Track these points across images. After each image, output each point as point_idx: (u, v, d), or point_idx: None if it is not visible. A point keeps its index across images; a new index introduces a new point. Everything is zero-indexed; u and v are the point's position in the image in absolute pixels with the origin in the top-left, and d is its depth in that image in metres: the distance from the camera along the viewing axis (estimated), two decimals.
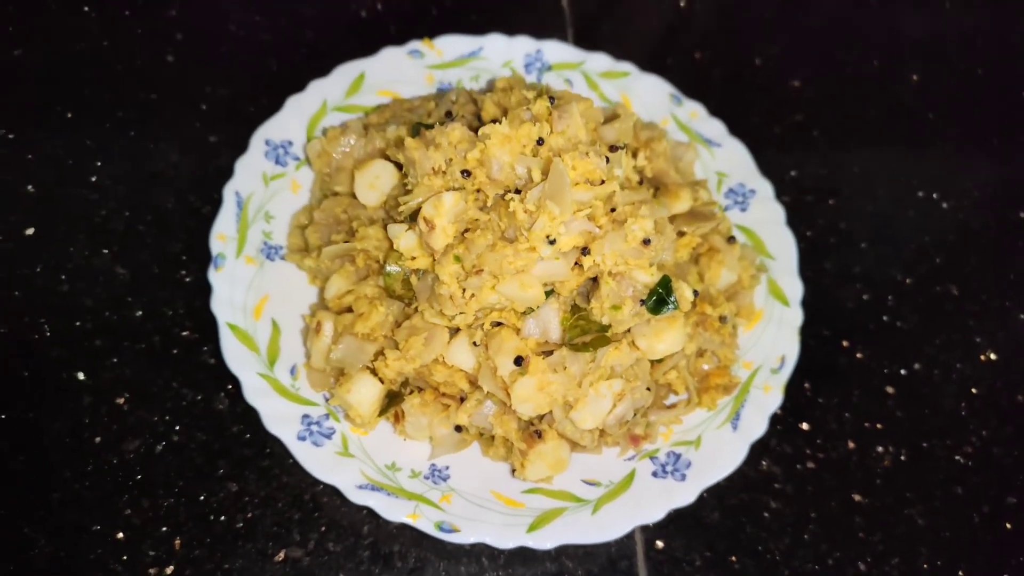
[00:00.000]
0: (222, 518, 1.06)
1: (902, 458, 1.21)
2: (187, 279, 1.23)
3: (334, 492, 1.06)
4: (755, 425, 1.12)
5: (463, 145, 1.03)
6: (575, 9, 1.63)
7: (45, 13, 1.47)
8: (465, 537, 1.00)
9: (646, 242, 0.99)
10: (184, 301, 1.21)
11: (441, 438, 1.07)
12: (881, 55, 1.66)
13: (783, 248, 1.27)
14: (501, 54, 1.42)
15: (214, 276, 1.14)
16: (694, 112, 1.40)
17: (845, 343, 1.30)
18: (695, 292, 1.06)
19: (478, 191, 1.02)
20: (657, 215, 1.03)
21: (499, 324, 1.04)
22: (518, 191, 1.01)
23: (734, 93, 1.56)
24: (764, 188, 1.33)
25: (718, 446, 1.10)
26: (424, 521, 1.01)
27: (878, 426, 1.24)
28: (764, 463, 1.18)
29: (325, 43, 1.51)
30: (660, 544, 1.11)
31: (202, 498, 1.08)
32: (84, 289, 1.21)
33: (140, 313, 1.20)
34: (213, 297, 1.13)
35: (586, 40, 1.58)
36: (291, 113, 1.30)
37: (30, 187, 1.29)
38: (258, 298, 1.15)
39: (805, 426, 1.22)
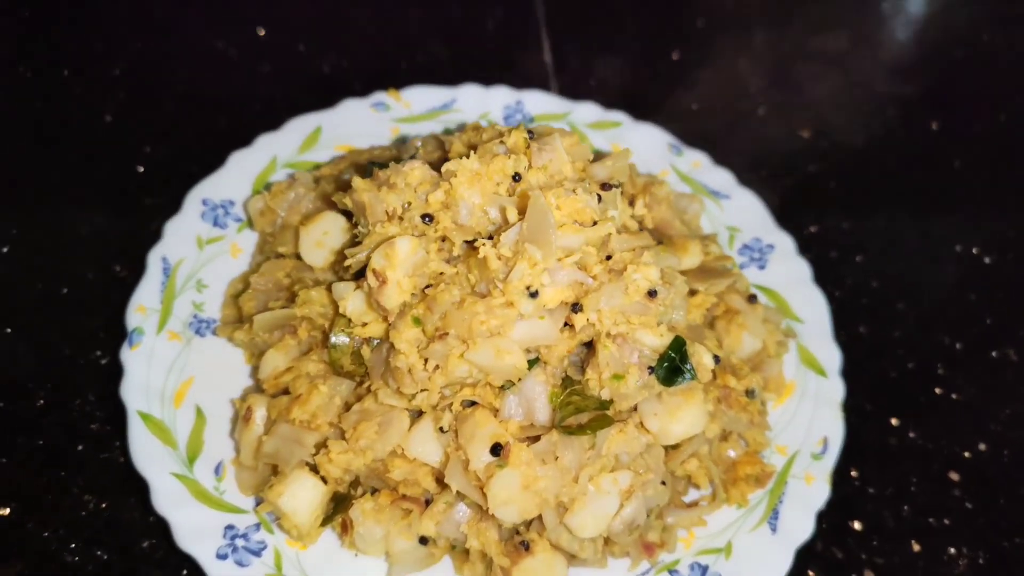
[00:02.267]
0: None
1: (980, 562, 0.98)
2: (103, 360, 1.03)
3: None
4: (799, 525, 0.89)
5: (424, 187, 0.85)
6: (559, 64, 1.50)
7: None
8: None
9: (652, 294, 0.79)
10: (97, 387, 1.00)
11: (401, 553, 0.84)
12: (894, 103, 1.52)
13: (812, 309, 1.08)
14: (477, 105, 1.27)
15: (127, 355, 0.94)
16: (696, 162, 1.24)
17: (894, 420, 1.09)
18: (716, 358, 0.86)
19: (443, 240, 0.84)
20: (664, 263, 0.84)
21: (472, 404, 0.83)
22: (491, 237, 0.82)
23: (738, 145, 1.41)
24: (783, 242, 1.15)
25: (754, 553, 0.88)
26: None
27: (945, 522, 1.01)
28: (811, 574, 0.95)
29: (282, 99, 1.36)
30: None
31: None
32: None
33: (42, 403, 0.99)
34: (124, 380, 0.93)
35: (571, 95, 1.44)
36: (234, 170, 1.13)
37: None
38: (180, 381, 0.95)
39: (857, 525, 0.99)
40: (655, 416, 0.84)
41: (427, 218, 0.84)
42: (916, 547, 0.98)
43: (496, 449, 0.79)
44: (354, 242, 0.88)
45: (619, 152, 0.92)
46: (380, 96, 1.26)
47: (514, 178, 0.83)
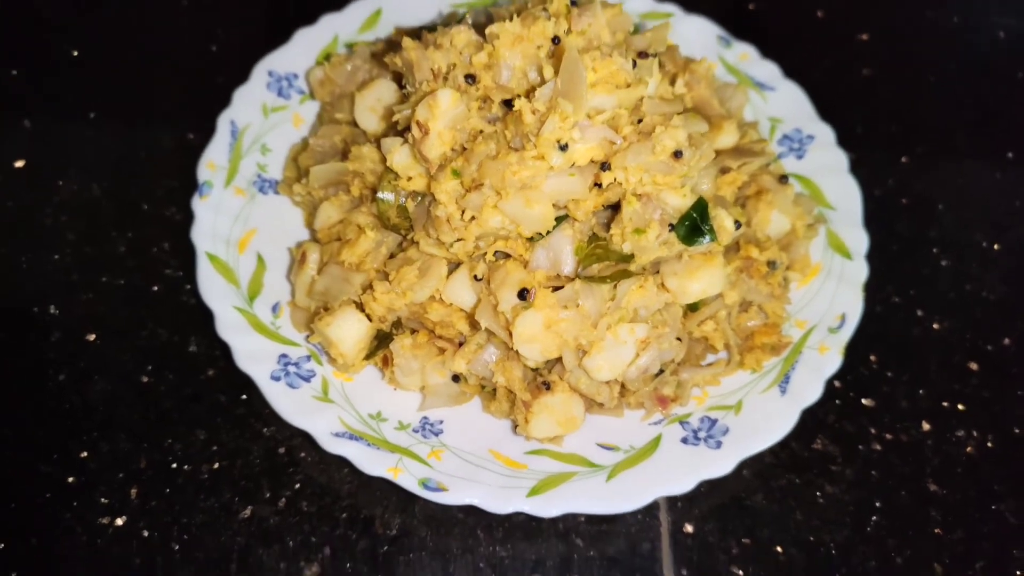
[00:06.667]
0: (185, 467, 0.94)
1: (989, 445, 1.01)
2: (177, 216, 1.13)
3: (313, 446, 0.92)
4: (808, 389, 0.94)
5: (469, 50, 0.91)
6: None
7: None
8: (454, 497, 0.86)
9: (677, 155, 0.83)
10: (171, 240, 1.11)
11: (435, 387, 0.93)
12: (960, 9, 1.48)
13: (845, 197, 1.10)
14: None
15: (198, 204, 1.04)
16: (744, 54, 1.25)
17: (919, 312, 1.12)
18: (737, 223, 0.90)
19: (484, 101, 0.89)
20: (693, 129, 0.87)
21: (504, 256, 0.90)
22: (528, 97, 0.87)
23: (794, 44, 1.40)
24: (824, 133, 1.16)
25: (763, 411, 0.93)
26: (407, 477, 0.86)
27: (959, 407, 1.04)
28: (819, 441, 1.00)
29: None
30: (689, 528, 0.93)
31: (166, 444, 0.95)
32: (68, 224, 1.12)
33: (123, 249, 1.11)
34: (194, 226, 1.02)
35: None
36: (299, 46, 1.20)
37: (27, 122, 1.22)
38: (244, 231, 1.04)
39: (868, 402, 1.04)
40: (674, 275, 0.89)
41: (470, 78, 0.89)
42: (926, 426, 1.02)
43: (523, 293, 0.86)
44: (403, 100, 0.95)
45: (659, 25, 0.95)
46: None
47: (553, 41, 0.88)
